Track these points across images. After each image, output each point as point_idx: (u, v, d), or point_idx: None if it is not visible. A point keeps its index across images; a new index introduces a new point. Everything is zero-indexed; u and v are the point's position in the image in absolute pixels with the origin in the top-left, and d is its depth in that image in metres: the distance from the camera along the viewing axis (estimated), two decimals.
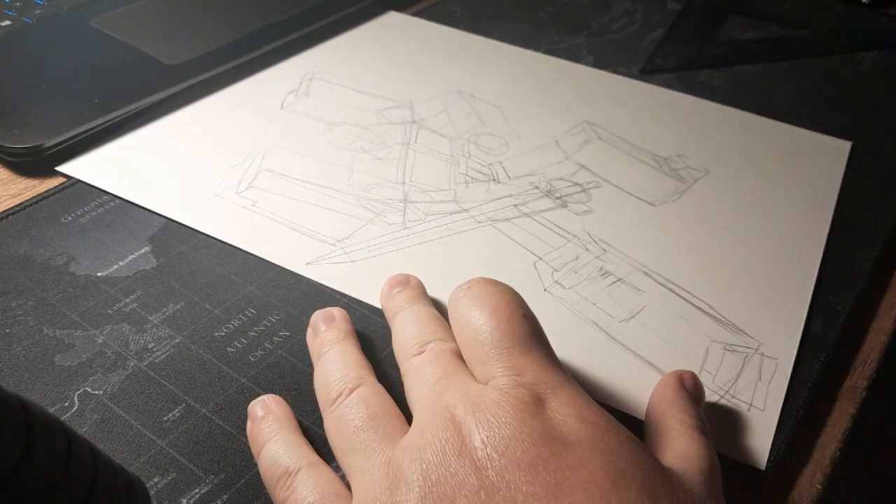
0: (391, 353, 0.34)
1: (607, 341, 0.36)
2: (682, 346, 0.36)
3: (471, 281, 0.31)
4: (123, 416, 0.32)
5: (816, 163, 0.48)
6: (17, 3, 0.58)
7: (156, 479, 0.30)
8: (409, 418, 0.29)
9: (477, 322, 0.29)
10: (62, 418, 0.32)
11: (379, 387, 0.31)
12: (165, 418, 0.32)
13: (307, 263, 0.39)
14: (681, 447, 0.28)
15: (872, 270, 0.41)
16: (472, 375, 0.28)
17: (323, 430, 0.31)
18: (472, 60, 0.57)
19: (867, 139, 0.50)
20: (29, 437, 0.20)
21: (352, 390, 0.30)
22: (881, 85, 0.57)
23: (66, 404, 0.32)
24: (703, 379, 0.34)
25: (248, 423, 0.31)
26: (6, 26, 0.55)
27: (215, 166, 0.46)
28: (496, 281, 0.31)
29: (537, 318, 0.30)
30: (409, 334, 0.32)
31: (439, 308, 0.36)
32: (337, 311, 0.34)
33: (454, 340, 0.31)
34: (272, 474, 0.29)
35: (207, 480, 0.30)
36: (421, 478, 0.25)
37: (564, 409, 0.26)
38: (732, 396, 0.34)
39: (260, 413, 0.31)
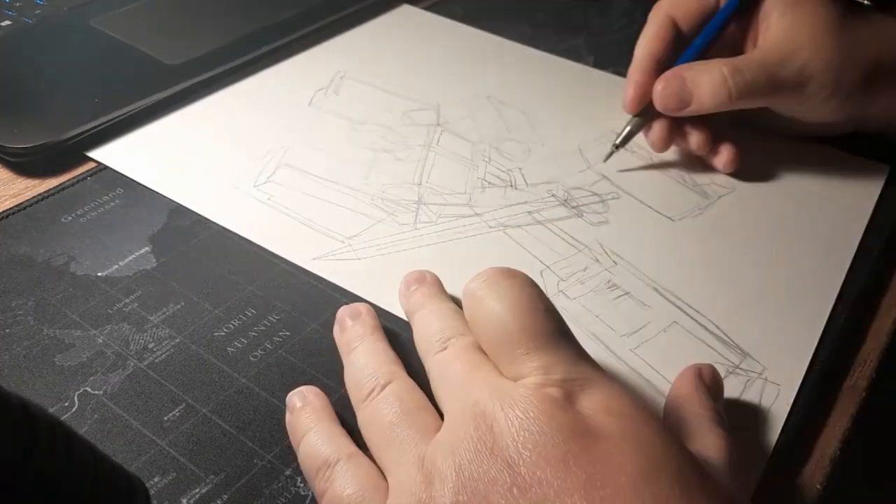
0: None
1: (606, 354, 0.36)
2: (683, 365, 0.34)
3: (486, 272, 0.30)
4: (123, 416, 0.32)
5: (849, 188, 0.46)
6: (18, 3, 0.58)
7: (156, 479, 0.30)
8: (439, 411, 0.29)
9: (499, 320, 0.28)
10: (62, 418, 0.32)
11: (410, 382, 0.31)
12: (165, 418, 0.32)
13: (313, 259, 0.40)
14: (700, 440, 0.28)
15: (872, 271, 0.41)
16: (497, 368, 0.29)
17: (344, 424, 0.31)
18: (502, 64, 0.57)
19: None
20: (29, 438, 0.20)
21: (384, 386, 0.30)
22: None
23: (66, 404, 0.32)
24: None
25: (287, 415, 0.31)
26: (6, 26, 0.55)
27: (237, 159, 0.46)
28: (512, 271, 0.30)
29: None
30: (429, 331, 0.32)
31: (455, 301, 0.36)
32: (363, 307, 0.35)
33: None
34: (311, 465, 0.29)
35: (207, 480, 0.30)
36: (455, 474, 0.25)
37: (594, 404, 0.26)
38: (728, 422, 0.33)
39: (298, 404, 0.31)
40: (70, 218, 0.42)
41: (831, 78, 0.43)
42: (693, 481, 0.24)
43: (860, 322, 0.38)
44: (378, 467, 0.29)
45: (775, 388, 0.34)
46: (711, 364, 0.32)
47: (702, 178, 0.46)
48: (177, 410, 0.32)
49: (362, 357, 0.32)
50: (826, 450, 0.33)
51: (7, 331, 0.35)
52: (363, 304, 0.35)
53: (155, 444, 0.31)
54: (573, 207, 0.44)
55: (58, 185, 0.44)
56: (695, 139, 0.46)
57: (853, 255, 0.41)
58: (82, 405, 0.32)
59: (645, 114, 0.46)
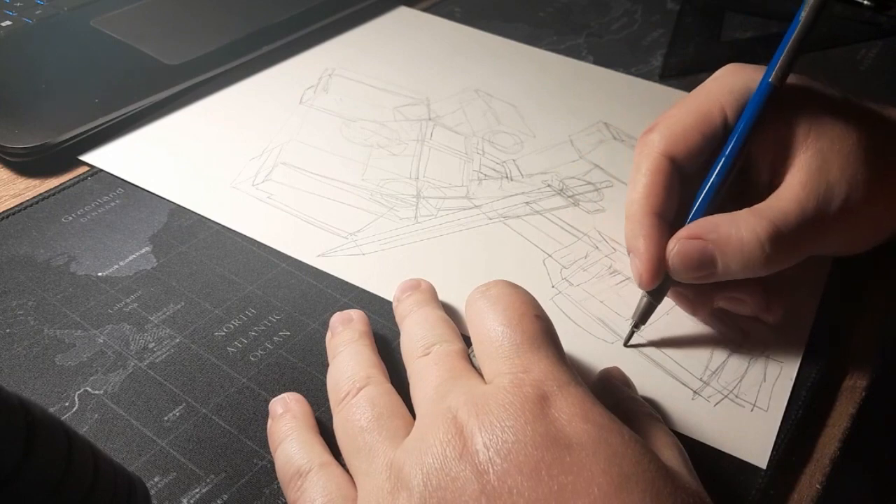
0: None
1: (613, 338, 0.36)
2: (688, 346, 0.36)
3: (489, 283, 0.31)
4: (124, 416, 0.32)
5: None
6: (18, 4, 0.58)
7: (156, 479, 0.30)
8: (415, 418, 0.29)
9: (490, 321, 0.29)
10: (63, 418, 0.32)
11: (387, 386, 0.31)
12: (166, 418, 0.32)
13: (319, 255, 0.40)
14: (650, 439, 0.28)
15: (873, 271, 0.41)
16: (478, 377, 0.28)
17: (330, 425, 0.31)
18: (489, 59, 0.57)
19: None
20: (29, 438, 0.20)
21: (359, 390, 0.30)
22: (880, 85, 0.56)
23: (67, 404, 0.32)
24: (708, 379, 0.35)
25: (269, 421, 0.31)
26: (6, 26, 0.55)
27: (233, 159, 0.46)
28: (513, 284, 0.31)
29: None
30: (415, 336, 0.32)
31: (450, 310, 0.36)
32: (355, 313, 0.35)
33: (461, 342, 0.31)
34: (285, 473, 0.29)
35: (208, 480, 0.30)
36: (421, 483, 0.25)
37: (569, 409, 0.25)
38: (736, 396, 0.34)
39: (279, 411, 0.31)
40: (70, 218, 0.42)
41: (874, 209, 0.36)
42: (665, 491, 0.24)
43: (861, 322, 0.38)
44: (350, 476, 0.28)
45: (778, 365, 0.35)
46: (615, 366, 0.34)
47: None
48: (177, 410, 0.32)
49: (344, 361, 0.32)
50: (826, 450, 0.33)
51: (7, 331, 0.35)
52: (356, 310, 0.35)
53: (155, 443, 0.31)
54: (569, 197, 0.44)
55: (58, 185, 0.44)
56: (749, 305, 0.36)
57: None
58: (83, 405, 0.32)
59: (664, 285, 0.35)
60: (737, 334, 0.37)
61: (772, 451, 0.32)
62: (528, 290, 0.30)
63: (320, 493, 0.28)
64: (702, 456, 0.31)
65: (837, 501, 0.32)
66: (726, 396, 0.34)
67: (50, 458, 0.21)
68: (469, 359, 0.30)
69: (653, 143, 0.37)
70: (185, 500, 0.29)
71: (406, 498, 0.25)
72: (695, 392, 0.34)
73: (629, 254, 0.36)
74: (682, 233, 0.35)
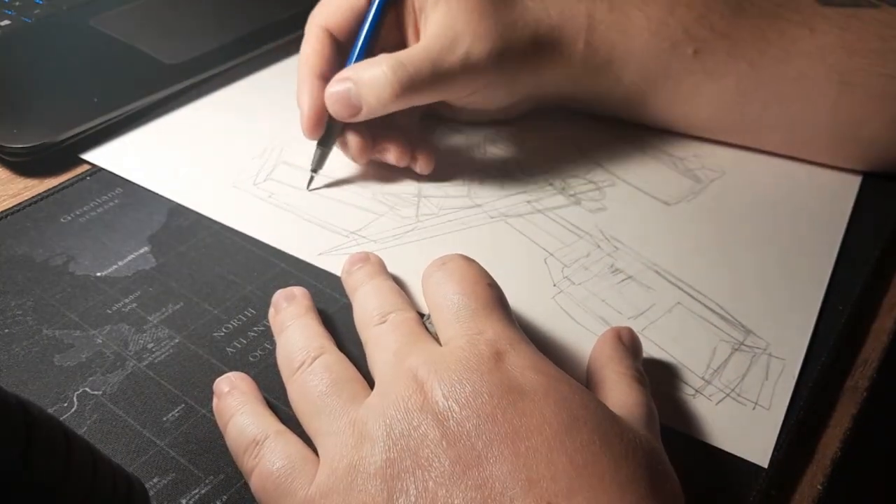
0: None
1: None
2: (690, 344, 0.36)
3: (444, 257, 0.33)
4: (123, 417, 0.32)
5: (835, 167, 0.47)
6: (17, 3, 0.57)
7: (155, 480, 0.30)
8: (371, 386, 0.30)
9: (446, 290, 0.31)
10: (61, 419, 0.31)
11: (340, 355, 0.32)
12: (165, 419, 0.32)
13: (320, 254, 0.40)
14: (620, 396, 0.30)
15: (873, 271, 0.41)
16: (435, 341, 0.30)
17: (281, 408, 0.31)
18: None
19: None
20: (28, 438, 0.20)
21: (314, 359, 0.31)
22: None
23: (66, 404, 0.32)
24: (710, 377, 0.34)
25: (214, 400, 0.32)
26: (5, 26, 0.55)
27: (234, 158, 0.46)
28: (466, 256, 0.33)
29: (546, 314, 0.32)
30: (370, 306, 0.33)
31: (398, 282, 0.36)
32: (298, 290, 0.35)
33: (414, 310, 0.32)
34: (239, 445, 0.29)
35: (207, 481, 0.30)
36: (385, 433, 0.26)
37: (521, 362, 0.27)
38: (738, 395, 0.34)
39: (226, 389, 0.32)
40: (69, 218, 0.42)
41: (496, 63, 0.42)
42: (612, 431, 0.26)
43: (861, 322, 0.38)
44: (308, 443, 0.29)
45: (780, 363, 0.35)
46: (629, 327, 0.34)
47: (692, 163, 0.47)
48: (176, 411, 0.32)
49: (294, 334, 0.33)
50: (827, 450, 0.33)
51: (6, 331, 0.35)
52: (298, 287, 0.36)
53: (154, 444, 0.31)
54: (571, 195, 0.44)
55: (57, 185, 0.44)
56: (392, 153, 0.44)
57: (845, 228, 0.43)
58: (81, 405, 0.32)
59: (330, 134, 0.43)
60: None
61: (773, 451, 0.32)
62: (529, 288, 0.31)
63: (280, 457, 0.28)
64: (703, 455, 0.31)
65: (838, 502, 0.32)
66: (728, 395, 0.34)
67: (48, 459, 0.21)
68: (424, 325, 0.31)
69: (313, 18, 0.44)
70: (183, 501, 0.29)
71: (370, 448, 0.26)
72: (696, 390, 0.34)
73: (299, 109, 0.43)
74: (333, 78, 0.42)
